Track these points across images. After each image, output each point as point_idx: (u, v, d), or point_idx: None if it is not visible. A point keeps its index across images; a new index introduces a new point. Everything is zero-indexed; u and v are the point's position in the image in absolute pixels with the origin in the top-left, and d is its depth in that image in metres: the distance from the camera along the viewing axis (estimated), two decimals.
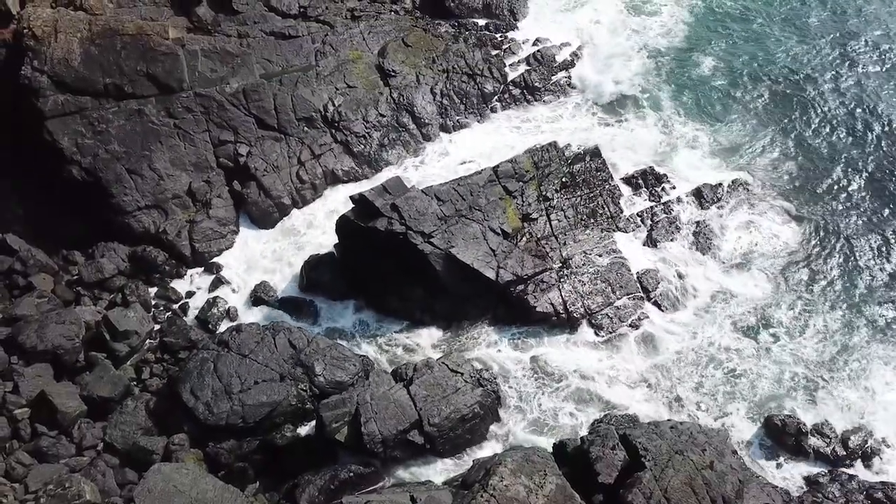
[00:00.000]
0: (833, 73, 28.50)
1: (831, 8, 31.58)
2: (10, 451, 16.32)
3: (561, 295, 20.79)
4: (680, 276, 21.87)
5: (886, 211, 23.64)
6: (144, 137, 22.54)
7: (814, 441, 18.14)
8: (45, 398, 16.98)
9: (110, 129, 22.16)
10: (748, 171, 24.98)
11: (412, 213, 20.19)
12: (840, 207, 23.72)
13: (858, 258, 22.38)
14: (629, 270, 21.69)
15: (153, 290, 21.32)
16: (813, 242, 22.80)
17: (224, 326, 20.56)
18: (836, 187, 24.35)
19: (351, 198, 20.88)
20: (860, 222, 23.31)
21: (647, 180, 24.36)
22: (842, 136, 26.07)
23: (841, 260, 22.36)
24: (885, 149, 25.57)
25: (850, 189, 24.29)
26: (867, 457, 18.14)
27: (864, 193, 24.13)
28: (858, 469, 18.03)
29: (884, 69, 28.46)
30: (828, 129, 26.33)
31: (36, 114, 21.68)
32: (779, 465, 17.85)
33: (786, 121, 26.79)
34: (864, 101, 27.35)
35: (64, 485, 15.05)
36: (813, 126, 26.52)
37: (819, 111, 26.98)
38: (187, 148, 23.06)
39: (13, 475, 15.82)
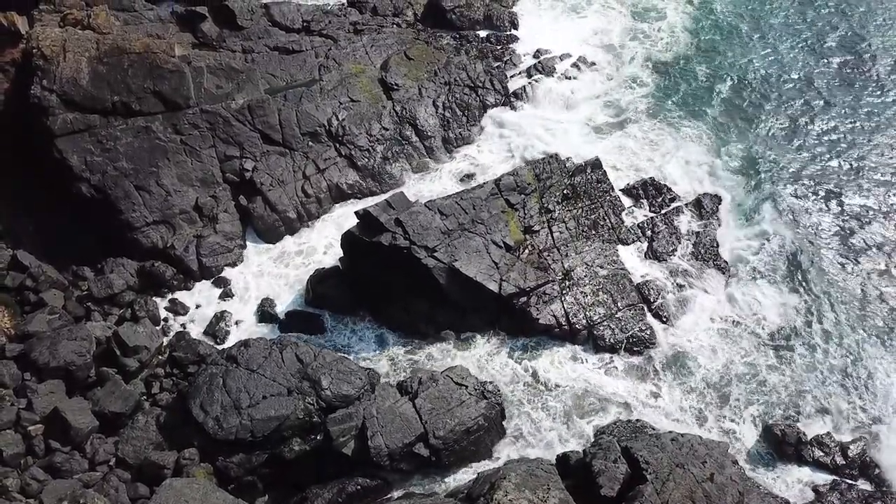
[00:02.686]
0: (835, 81, 28.82)
1: (836, 15, 31.86)
2: (25, 467, 16.63)
3: (563, 307, 21.10)
4: (680, 287, 22.15)
5: (890, 215, 23.99)
6: (152, 154, 22.88)
7: (814, 450, 18.40)
8: (59, 414, 17.28)
9: (118, 147, 22.50)
10: (747, 179, 25.34)
11: (416, 228, 20.51)
12: (843, 215, 23.99)
13: (865, 265, 22.63)
14: (630, 282, 22.00)
15: (162, 305, 21.65)
16: (816, 251, 23.01)
17: (232, 340, 20.92)
18: (839, 195, 24.67)
19: (356, 213, 21.19)
20: (866, 229, 23.58)
21: (648, 191, 24.66)
22: (844, 144, 26.37)
23: (845, 266, 22.60)
24: (886, 154, 25.91)
25: (854, 197, 24.61)
26: (866, 466, 18.38)
27: (869, 201, 24.44)
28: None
29: (887, 75, 28.80)
30: (830, 138, 26.67)
31: (46, 132, 22.03)
32: (779, 475, 18.09)
33: (786, 129, 27.13)
34: (865, 108, 27.66)
35: (78, 500, 15.37)
36: (816, 135, 26.83)
37: (820, 119, 27.30)
38: (194, 164, 23.41)
39: (28, 491, 16.13)
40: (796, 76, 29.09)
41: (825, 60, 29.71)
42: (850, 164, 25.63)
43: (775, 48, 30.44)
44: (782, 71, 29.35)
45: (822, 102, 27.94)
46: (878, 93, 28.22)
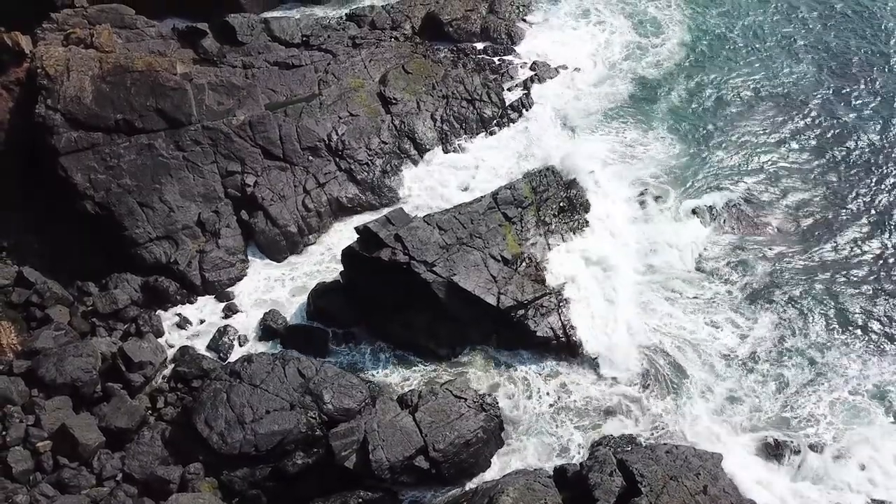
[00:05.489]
0: (827, 98, 29.16)
1: (836, 31, 32.15)
2: (34, 483, 16.99)
3: (560, 319, 21.46)
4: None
5: (863, 230, 24.55)
6: (155, 171, 23.24)
7: (806, 458, 18.81)
8: (67, 430, 17.62)
9: (122, 164, 22.85)
10: (742, 191, 25.74)
11: (415, 243, 20.88)
12: (827, 229, 24.58)
13: (846, 278, 23.14)
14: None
15: (166, 320, 21.97)
16: (804, 263, 23.55)
17: (235, 354, 21.24)
18: (826, 209, 25.20)
19: (356, 229, 21.57)
20: (847, 245, 24.16)
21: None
22: (836, 162, 26.75)
23: (829, 277, 23.11)
24: (873, 171, 26.35)
25: (839, 211, 25.11)
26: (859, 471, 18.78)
27: (850, 216, 24.99)
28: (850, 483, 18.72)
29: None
30: (822, 155, 27.07)
31: (50, 150, 22.38)
32: (772, 485, 18.43)
33: (779, 145, 27.59)
34: (857, 128, 27.98)
35: None
36: (809, 151, 27.26)
37: (803, 141, 27.66)
38: (196, 179, 23.75)
39: None
40: (785, 94, 29.51)
41: (820, 78, 30.05)
42: (843, 180, 26.14)
43: (772, 64, 30.76)
44: (776, 87, 29.78)
45: (809, 122, 28.30)
46: (873, 113, 28.57)
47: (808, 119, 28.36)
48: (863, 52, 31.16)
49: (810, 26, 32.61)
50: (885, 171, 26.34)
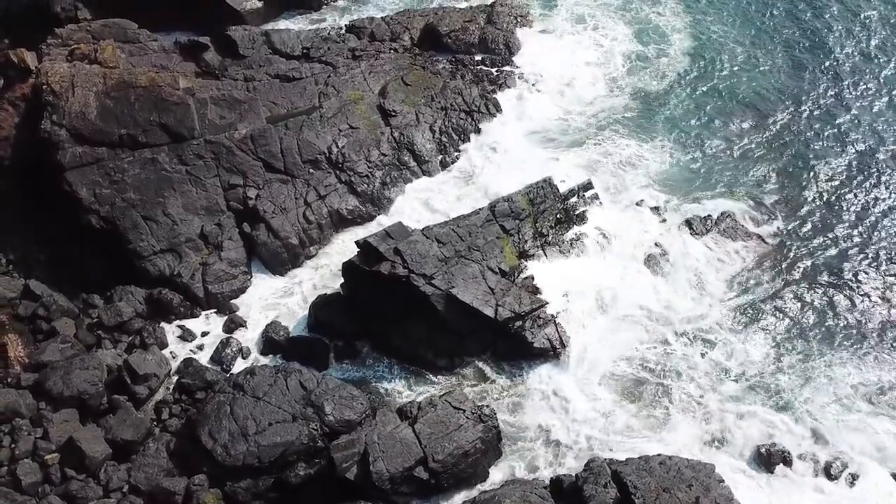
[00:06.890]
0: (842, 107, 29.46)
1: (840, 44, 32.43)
2: (43, 495, 17.39)
3: (557, 330, 21.85)
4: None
5: (862, 241, 24.92)
6: (158, 185, 23.63)
7: (798, 468, 19.20)
8: (74, 443, 18.00)
9: (126, 178, 23.23)
10: (740, 202, 26.11)
11: (414, 257, 21.27)
12: (818, 238, 25.01)
13: (843, 289, 23.54)
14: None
15: (170, 332, 22.35)
16: (791, 272, 24.01)
17: (238, 366, 21.63)
18: (827, 220, 25.67)
19: (356, 243, 21.96)
20: (846, 256, 24.54)
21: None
22: (838, 172, 27.15)
23: (820, 287, 23.58)
24: (874, 183, 26.76)
25: (840, 223, 25.52)
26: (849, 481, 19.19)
27: (852, 227, 25.42)
28: (841, 493, 19.11)
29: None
30: (824, 165, 27.41)
31: (55, 165, 22.78)
32: (765, 495, 18.82)
33: (777, 153, 27.92)
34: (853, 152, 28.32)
35: None
36: (811, 160, 27.57)
37: (816, 146, 27.96)
38: (199, 193, 24.14)
39: None
40: (788, 101, 29.82)
41: (825, 86, 30.31)
42: (839, 190, 26.53)
43: (774, 72, 31.00)
44: (778, 94, 30.06)
45: (811, 130, 28.61)
46: (877, 123, 28.84)
47: (810, 127, 28.60)
48: (867, 61, 31.41)
49: (813, 33, 32.81)
50: (887, 181, 26.66)
